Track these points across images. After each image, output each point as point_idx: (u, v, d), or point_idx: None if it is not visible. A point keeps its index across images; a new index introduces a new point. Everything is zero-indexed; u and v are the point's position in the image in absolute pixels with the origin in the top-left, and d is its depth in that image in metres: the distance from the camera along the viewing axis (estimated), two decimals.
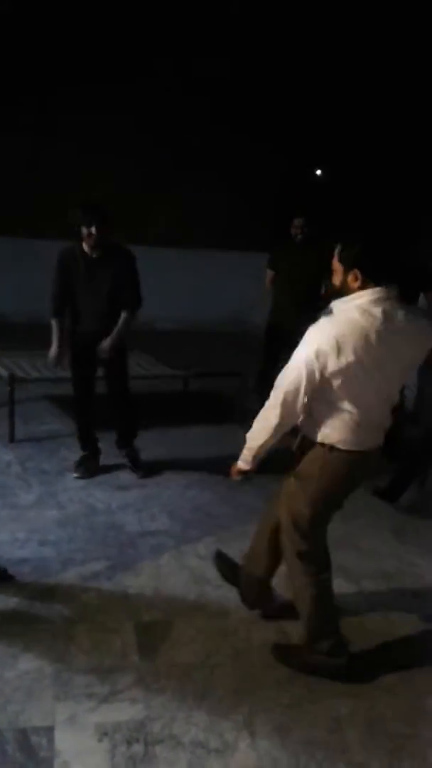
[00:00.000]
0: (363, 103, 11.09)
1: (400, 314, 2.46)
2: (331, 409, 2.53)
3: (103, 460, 4.87)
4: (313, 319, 6.10)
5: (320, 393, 2.50)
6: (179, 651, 2.89)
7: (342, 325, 2.41)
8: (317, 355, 2.40)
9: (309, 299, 5.76)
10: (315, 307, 5.62)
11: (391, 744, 2.47)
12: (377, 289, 2.42)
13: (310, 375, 2.43)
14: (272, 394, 2.58)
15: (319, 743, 2.44)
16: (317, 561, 2.79)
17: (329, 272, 5.83)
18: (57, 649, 2.82)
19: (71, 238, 4.38)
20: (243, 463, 2.78)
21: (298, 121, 11.41)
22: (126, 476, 4.71)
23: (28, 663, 2.72)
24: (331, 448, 2.59)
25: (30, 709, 2.48)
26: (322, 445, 2.61)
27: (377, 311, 2.41)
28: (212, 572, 3.52)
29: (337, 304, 2.49)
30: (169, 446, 5.39)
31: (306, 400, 2.50)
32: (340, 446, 2.58)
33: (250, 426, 2.76)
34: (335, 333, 2.39)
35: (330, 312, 2.50)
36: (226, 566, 3.33)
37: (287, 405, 2.52)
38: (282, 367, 2.57)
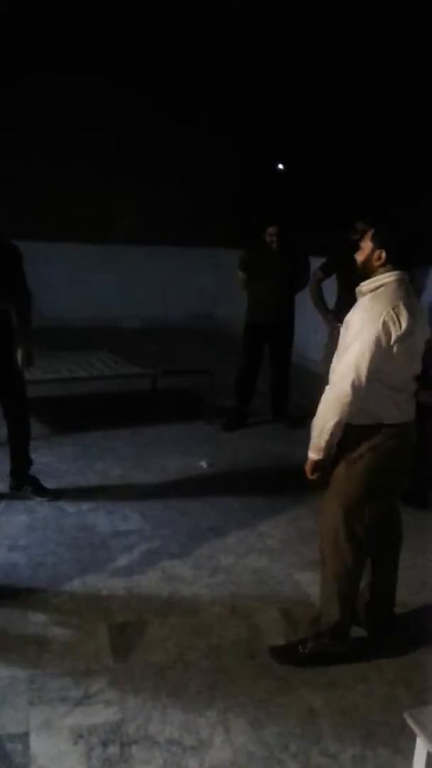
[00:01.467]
0: (324, 96, 11.11)
1: (417, 299, 2.71)
2: (379, 388, 2.62)
3: (72, 462, 4.86)
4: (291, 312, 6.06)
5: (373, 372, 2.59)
6: (153, 650, 2.90)
7: (392, 298, 2.60)
8: (383, 326, 2.54)
9: (284, 296, 5.88)
10: (292, 302, 5.78)
11: (363, 732, 2.50)
12: (400, 272, 2.68)
13: (380, 343, 2.54)
14: (336, 374, 2.63)
15: (292, 735, 2.47)
16: (361, 545, 2.79)
17: (303, 269, 5.95)
18: (30, 654, 2.81)
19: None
20: (315, 451, 2.71)
21: (258, 115, 11.42)
22: (97, 478, 4.70)
23: (1, 670, 2.71)
24: (379, 426, 2.67)
25: (4, 716, 2.47)
26: (367, 426, 2.68)
27: (405, 288, 2.66)
28: (185, 570, 3.54)
29: (366, 285, 2.71)
30: (139, 446, 5.39)
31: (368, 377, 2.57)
32: (387, 421, 2.68)
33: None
34: (390, 306, 2.57)
35: (364, 294, 2.70)
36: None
37: (359, 377, 2.56)
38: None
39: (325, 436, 2.65)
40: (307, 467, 2.77)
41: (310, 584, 3.46)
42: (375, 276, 2.70)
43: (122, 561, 3.61)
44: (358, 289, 2.74)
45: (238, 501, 4.43)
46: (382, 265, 2.69)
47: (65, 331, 8.76)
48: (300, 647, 2.86)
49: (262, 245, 5.90)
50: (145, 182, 11.13)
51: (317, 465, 2.74)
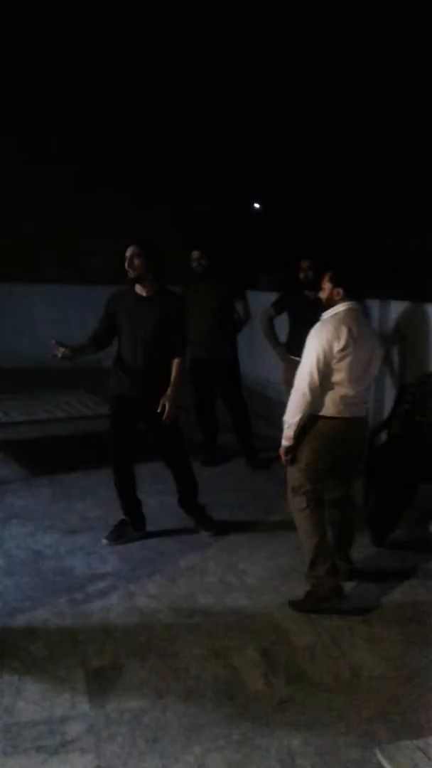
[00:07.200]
0: (292, 138, 11.33)
1: (366, 323, 3.76)
2: (327, 389, 3.52)
3: (51, 504, 4.84)
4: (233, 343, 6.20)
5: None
6: (130, 695, 2.87)
7: (336, 323, 3.53)
8: (327, 342, 3.46)
9: (224, 328, 5.91)
10: (233, 334, 5.84)
11: None
12: (353, 302, 3.61)
13: (326, 355, 3.45)
14: (298, 379, 3.53)
15: None
16: (310, 497, 3.61)
17: (233, 299, 6.04)
18: (5, 702, 2.78)
19: None
20: (286, 440, 3.60)
21: (232, 154, 11.59)
22: (75, 520, 4.67)
23: None
24: (323, 417, 3.56)
25: None
26: (317, 417, 3.55)
27: (354, 315, 3.59)
28: (163, 612, 3.52)
29: (326, 315, 3.63)
30: None
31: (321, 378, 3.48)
32: (328, 414, 3.55)
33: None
34: (333, 328, 3.50)
35: (322, 320, 3.61)
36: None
37: (313, 381, 3.46)
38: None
39: (293, 428, 3.56)
40: (281, 451, 3.66)
41: (289, 622, 3.45)
42: (334, 307, 3.61)
43: (99, 604, 3.58)
44: (321, 317, 3.63)
45: (216, 539, 4.42)
46: (341, 299, 3.60)
47: (43, 371, 8.75)
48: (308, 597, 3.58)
49: (192, 274, 5.91)
50: (83, 219, 11.20)
51: (288, 449, 3.63)
